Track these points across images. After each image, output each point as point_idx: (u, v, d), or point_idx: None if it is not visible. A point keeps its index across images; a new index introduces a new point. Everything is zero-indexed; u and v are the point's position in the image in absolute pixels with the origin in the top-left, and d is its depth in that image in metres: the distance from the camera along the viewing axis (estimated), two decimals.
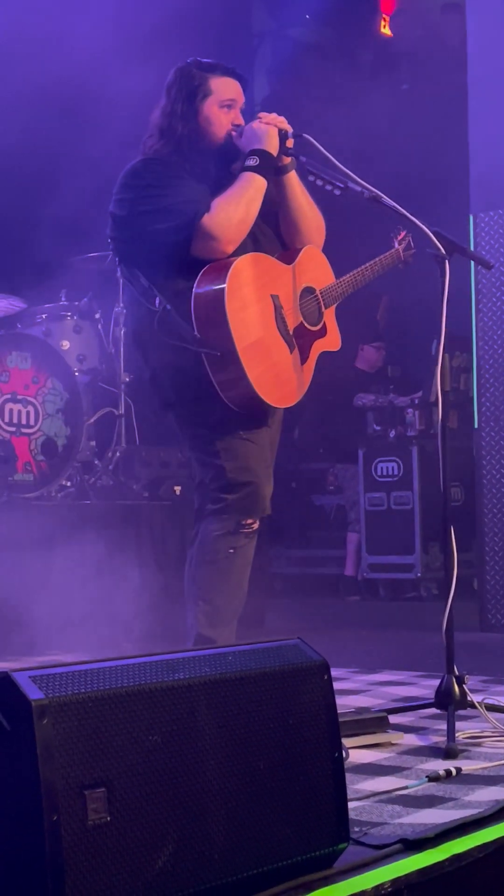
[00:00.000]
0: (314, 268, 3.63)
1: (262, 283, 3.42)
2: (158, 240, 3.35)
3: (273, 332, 3.42)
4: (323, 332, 3.62)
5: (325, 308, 3.63)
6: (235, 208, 3.36)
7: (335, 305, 3.69)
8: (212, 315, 3.30)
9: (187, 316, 3.31)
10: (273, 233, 3.62)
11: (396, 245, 3.82)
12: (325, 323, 3.63)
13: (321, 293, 3.61)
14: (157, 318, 3.36)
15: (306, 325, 3.55)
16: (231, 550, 3.41)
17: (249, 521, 3.43)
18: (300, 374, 3.51)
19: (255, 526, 3.46)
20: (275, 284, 3.47)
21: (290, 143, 3.48)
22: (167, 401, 3.53)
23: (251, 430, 3.43)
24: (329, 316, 3.66)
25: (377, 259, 3.76)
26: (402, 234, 3.82)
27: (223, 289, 3.28)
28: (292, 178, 3.55)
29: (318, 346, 3.60)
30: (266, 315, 3.41)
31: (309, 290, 3.59)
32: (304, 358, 3.53)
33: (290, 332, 3.48)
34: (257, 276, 3.41)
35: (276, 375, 3.40)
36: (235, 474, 3.40)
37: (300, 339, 3.52)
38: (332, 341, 3.67)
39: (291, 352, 3.48)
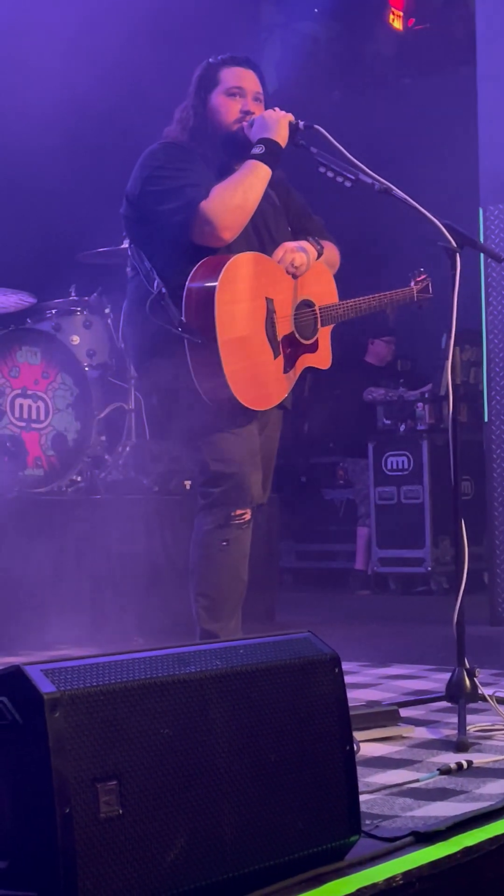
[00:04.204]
0: (318, 283, 3.61)
1: (259, 284, 3.41)
2: (162, 221, 3.37)
3: (260, 333, 3.40)
4: (314, 348, 3.58)
5: (322, 326, 3.60)
6: (232, 194, 3.35)
7: (332, 326, 3.66)
8: (200, 302, 3.29)
9: (180, 303, 3.32)
10: (287, 241, 3.60)
11: (412, 284, 3.75)
12: (318, 339, 3.60)
13: (320, 310, 3.59)
14: (150, 300, 3.37)
15: (298, 336, 3.52)
16: (224, 543, 3.41)
17: (239, 512, 3.42)
18: (280, 382, 3.48)
19: (247, 517, 3.45)
20: (273, 288, 3.45)
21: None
22: (151, 387, 3.55)
23: (233, 424, 3.41)
24: (324, 334, 3.62)
25: (387, 293, 3.72)
26: (422, 276, 3.76)
27: (217, 277, 3.28)
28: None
29: (306, 360, 3.56)
30: (256, 315, 3.40)
31: (307, 304, 3.56)
32: (287, 367, 3.50)
33: (279, 339, 3.45)
34: (255, 275, 3.40)
35: (254, 376, 3.37)
36: (218, 467, 3.39)
37: (287, 349, 3.49)
38: (322, 359, 3.62)
39: (275, 357, 3.45)
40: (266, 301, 3.42)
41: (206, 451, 3.40)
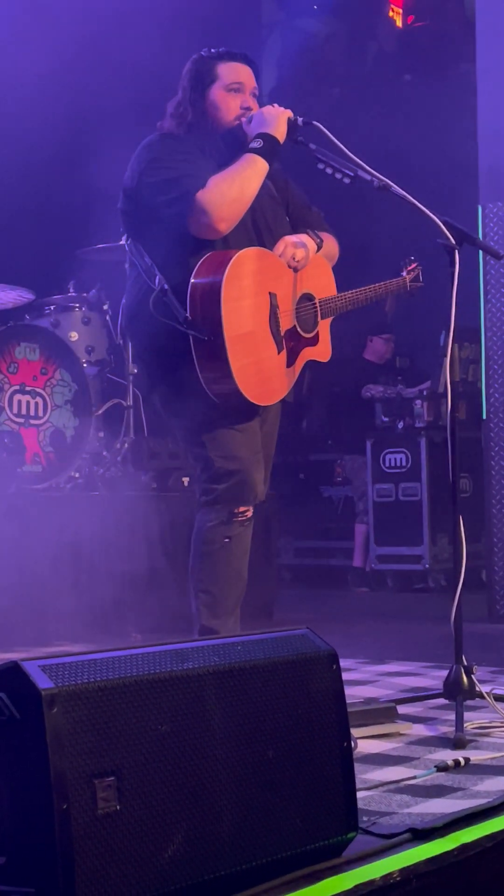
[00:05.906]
0: (318, 276, 3.62)
1: (263, 279, 3.41)
2: (160, 213, 3.36)
3: (264, 328, 3.40)
4: (314, 342, 3.59)
5: (322, 318, 3.61)
6: (229, 186, 3.34)
7: (331, 318, 3.68)
8: (206, 298, 3.29)
9: (183, 299, 3.31)
10: (285, 233, 3.60)
11: (404, 274, 3.81)
12: (318, 333, 3.61)
13: (320, 303, 3.60)
14: (153, 297, 3.36)
15: (299, 330, 3.53)
16: (226, 540, 3.41)
17: (242, 508, 3.42)
18: (284, 376, 3.48)
19: (249, 514, 3.45)
20: (275, 283, 3.45)
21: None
22: (152, 383, 3.55)
23: (237, 420, 3.41)
24: (324, 327, 3.64)
25: (381, 283, 3.76)
26: (413, 265, 3.81)
27: (223, 273, 3.27)
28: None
29: (307, 354, 3.58)
30: (260, 311, 3.40)
31: (308, 297, 3.57)
32: (290, 361, 3.50)
33: (282, 333, 3.46)
34: (259, 270, 3.40)
35: (259, 371, 3.38)
36: (223, 463, 3.39)
37: (290, 343, 3.49)
38: (322, 352, 3.64)
39: (279, 352, 3.45)
40: (269, 296, 3.42)
41: (211, 447, 3.40)
